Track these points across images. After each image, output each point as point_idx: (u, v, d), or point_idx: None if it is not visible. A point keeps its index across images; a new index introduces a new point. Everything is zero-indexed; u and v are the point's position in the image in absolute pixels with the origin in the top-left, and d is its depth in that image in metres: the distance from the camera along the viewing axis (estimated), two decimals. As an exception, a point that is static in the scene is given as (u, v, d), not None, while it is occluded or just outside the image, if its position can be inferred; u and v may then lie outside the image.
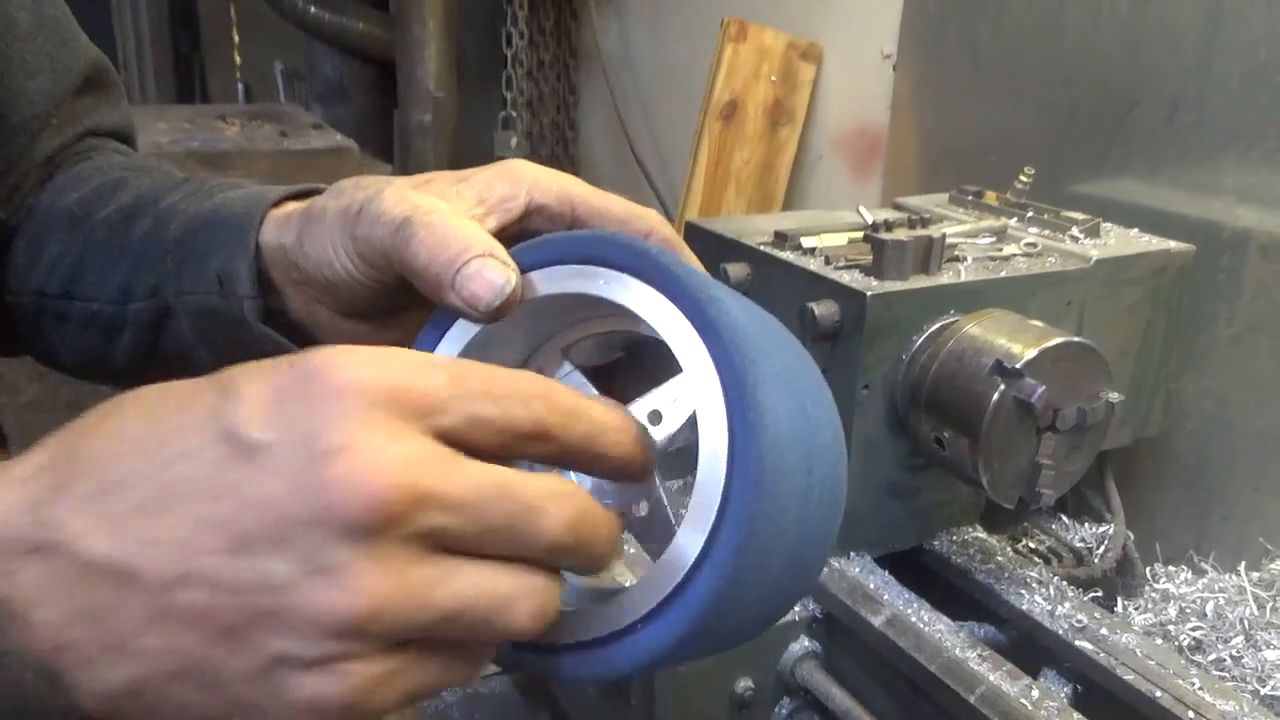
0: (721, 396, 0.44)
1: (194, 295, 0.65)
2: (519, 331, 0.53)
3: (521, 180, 0.56)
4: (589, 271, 0.48)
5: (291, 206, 0.62)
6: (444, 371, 0.39)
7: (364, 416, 0.37)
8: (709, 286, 0.46)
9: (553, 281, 0.49)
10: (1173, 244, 1.11)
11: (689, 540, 0.43)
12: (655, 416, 0.46)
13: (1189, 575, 1.08)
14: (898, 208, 1.23)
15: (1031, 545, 1.11)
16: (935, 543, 1.03)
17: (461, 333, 0.51)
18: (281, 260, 0.61)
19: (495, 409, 0.39)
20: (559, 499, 0.40)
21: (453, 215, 0.52)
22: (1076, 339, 0.88)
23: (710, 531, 0.42)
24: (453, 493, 0.37)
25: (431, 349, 0.52)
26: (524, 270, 0.50)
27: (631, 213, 0.56)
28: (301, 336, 0.62)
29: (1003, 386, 0.85)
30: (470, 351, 0.51)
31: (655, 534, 0.46)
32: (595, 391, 0.51)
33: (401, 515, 0.36)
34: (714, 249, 1.09)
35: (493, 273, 0.49)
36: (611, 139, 2.47)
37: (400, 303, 0.58)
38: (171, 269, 0.66)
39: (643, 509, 0.48)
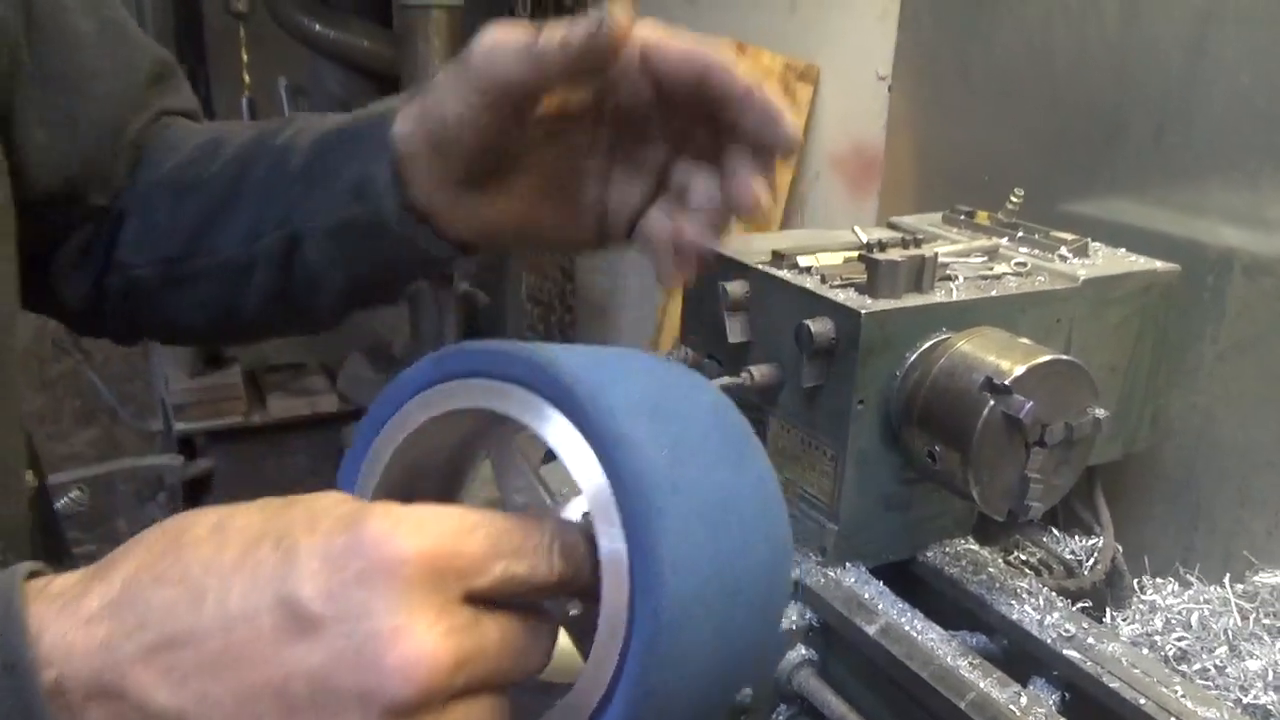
0: (625, 547, 0.43)
1: (328, 211, 0.70)
2: (444, 444, 0.54)
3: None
4: (509, 391, 0.48)
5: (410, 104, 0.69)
6: (481, 532, 0.43)
7: (411, 596, 0.40)
8: (620, 421, 0.45)
9: (473, 395, 0.49)
10: (1159, 264, 1.14)
11: (595, 676, 0.44)
12: (588, 520, 0.46)
13: (1175, 587, 1.10)
14: (893, 227, 1.26)
15: (1023, 557, 1.14)
16: (928, 554, 1.05)
17: (382, 455, 0.52)
18: (409, 148, 0.67)
19: (524, 566, 0.44)
20: (539, 637, 0.46)
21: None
22: (1064, 357, 0.91)
23: (612, 677, 0.43)
24: (482, 654, 0.42)
25: (353, 477, 0.52)
26: (446, 379, 0.50)
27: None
28: (427, 231, 0.68)
29: (992, 402, 0.88)
30: (396, 472, 0.52)
31: (586, 635, 0.46)
32: (546, 499, 0.53)
33: (441, 686, 0.40)
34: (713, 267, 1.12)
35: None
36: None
37: (508, 163, 0.65)
38: (299, 194, 0.71)
39: (576, 607, 0.49)
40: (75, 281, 0.82)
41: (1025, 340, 0.95)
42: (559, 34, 0.60)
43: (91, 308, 0.84)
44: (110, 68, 0.80)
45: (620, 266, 2.62)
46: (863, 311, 0.94)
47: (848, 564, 1.02)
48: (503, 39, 0.62)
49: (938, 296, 0.99)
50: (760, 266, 1.06)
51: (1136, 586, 1.12)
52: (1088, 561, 1.14)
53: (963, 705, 0.84)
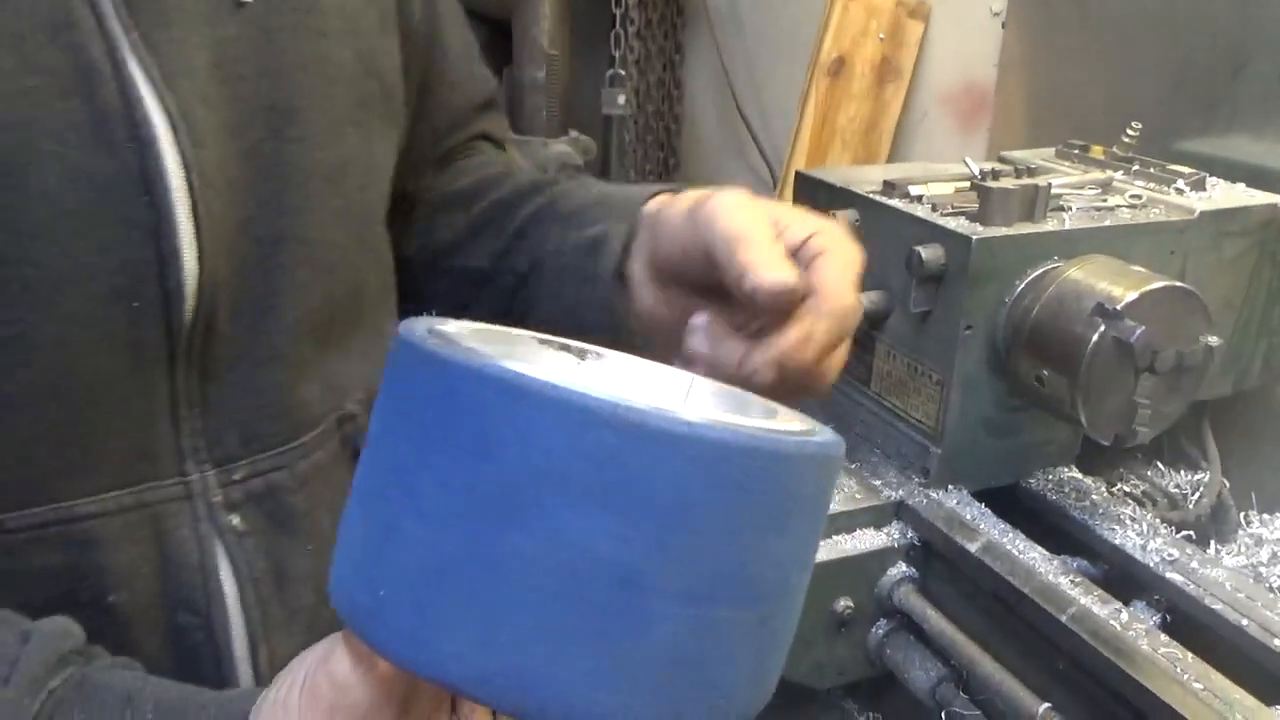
0: None
1: (565, 255, 0.79)
2: None
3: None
4: None
5: (660, 199, 0.75)
6: None
7: None
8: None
9: None
10: (1279, 199, 1.13)
11: None
12: None
13: (1283, 523, 1.10)
14: (1003, 161, 1.26)
15: (1126, 489, 1.14)
16: (1031, 481, 1.07)
17: None
18: (641, 236, 0.74)
19: None
20: None
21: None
22: (1177, 283, 0.91)
23: None
24: None
25: None
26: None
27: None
28: (620, 293, 0.75)
29: (1103, 327, 0.89)
30: None
31: None
32: None
33: None
34: (823, 197, 1.14)
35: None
36: (716, 97, 2.51)
37: (692, 297, 0.68)
38: (554, 234, 0.81)
39: None
40: None
41: (1138, 268, 0.95)
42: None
43: None
44: (462, 83, 0.91)
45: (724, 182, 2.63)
46: (974, 238, 0.95)
47: (950, 487, 1.04)
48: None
49: (1049, 225, 1.00)
50: (871, 195, 1.08)
51: (1242, 520, 1.12)
52: (1193, 495, 1.14)
53: (1064, 619, 0.86)
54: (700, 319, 0.63)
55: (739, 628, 0.44)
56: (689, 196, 0.69)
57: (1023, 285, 0.98)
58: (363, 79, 0.74)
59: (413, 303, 0.91)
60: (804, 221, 0.64)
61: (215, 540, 0.68)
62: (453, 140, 0.93)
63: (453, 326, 0.49)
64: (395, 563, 0.42)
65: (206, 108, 0.64)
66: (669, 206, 0.70)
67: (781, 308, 0.60)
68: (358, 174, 0.76)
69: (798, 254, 0.63)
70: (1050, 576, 0.91)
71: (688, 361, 0.62)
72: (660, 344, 0.72)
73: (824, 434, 0.46)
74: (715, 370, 0.61)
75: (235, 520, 0.69)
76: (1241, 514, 1.14)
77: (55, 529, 0.63)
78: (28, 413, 0.62)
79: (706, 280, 0.64)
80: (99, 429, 0.64)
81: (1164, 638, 0.84)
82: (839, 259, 0.62)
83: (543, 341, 0.56)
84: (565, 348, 0.57)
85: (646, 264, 0.72)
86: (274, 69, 0.68)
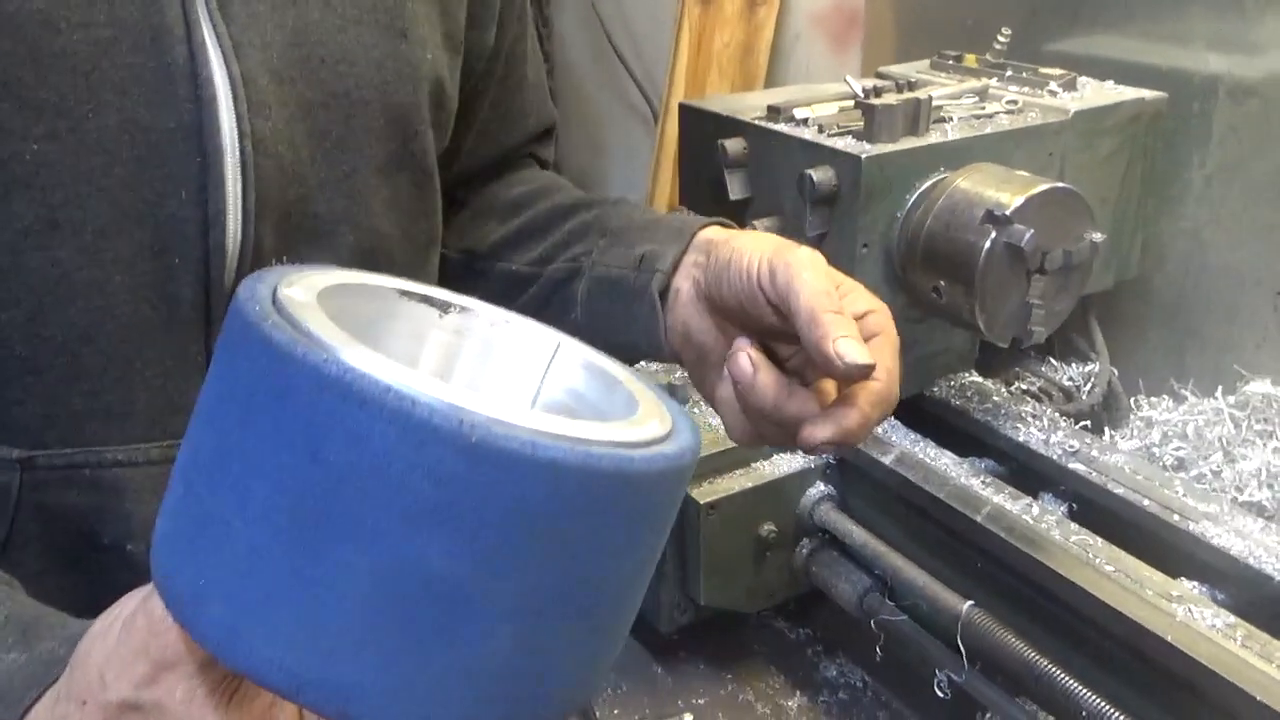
0: None
1: (608, 268, 0.82)
2: None
3: None
4: None
5: (714, 230, 0.78)
6: None
7: None
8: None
9: None
10: (1147, 93, 1.17)
11: None
12: None
13: (1170, 403, 1.16)
14: (881, 77, 1.27)
15: (1023, 387, 1.19)
16: (934, 389, 1.10)
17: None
18: (691, 258, 0.76)
19: None
20: None
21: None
22: (1060, 184, 0.94)
23: None
24: None
25: None
26: None
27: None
28: (660, 317, 0.77)
29: (994, 234, 0.91)
30: None
31: None
32: None
33: None
34: (709, 127, 1.13)
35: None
36: (586, 32, 2.48)
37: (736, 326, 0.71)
38: (601, 246, 0.83)
39: None
40: None
41: (1022, 172, 0.98)
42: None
43: None
44: (533, 112, 0.95)
45: (603, 138, 2.61)
46: (863, 156, 0.96)
47: (860, 403, 1.06)
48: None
49: (934, 138, 1.02)
50: (757, 122, 1.08)
51: (1133, 405, 1.17)
52: (1085, 386, 1.19)
53: (979, 519, 0.89)
54: (746, 345, 0.66)
55: (570, 637, 0.43)
56: (755, 242, 0.71)
57: (913, 199, 0.99)
58: (430, 83, 0.78)
59: None
60: (862, 296, 0.69)
61: None
62: (509, 156, 0.97)
63: (300, 287, 0.46)
64: (217, 555, 0.41)
65: (275, 81, 0.67)
66: (740, 238, 0.73)
67: (850, 380, 0.64)
68: (414, 171, 0.79)
69: (857, 323, 0.67)
70: (962, 479, 0.94)
71: (731, 382, 0.66)
72: (693, 362, 0.75)
73: (678, 437, 0.46)
74: (752, 396, 0.65)
75: None
76: (1131, 399, 1.19)
77: (85, 471, 0.67)
78: (63, 355, 0.65)
79: (760, 324, 0.68)
80: (132, 379, 0.66)
81: (1074, 526, 0.88)
82: (892, 344, 0.67)
83: (404, 293, 0.55)
84: (428, 300, 0.56)
85: (695, 287, 0.74)
86: (350, 58, 0.71)
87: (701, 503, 0.96)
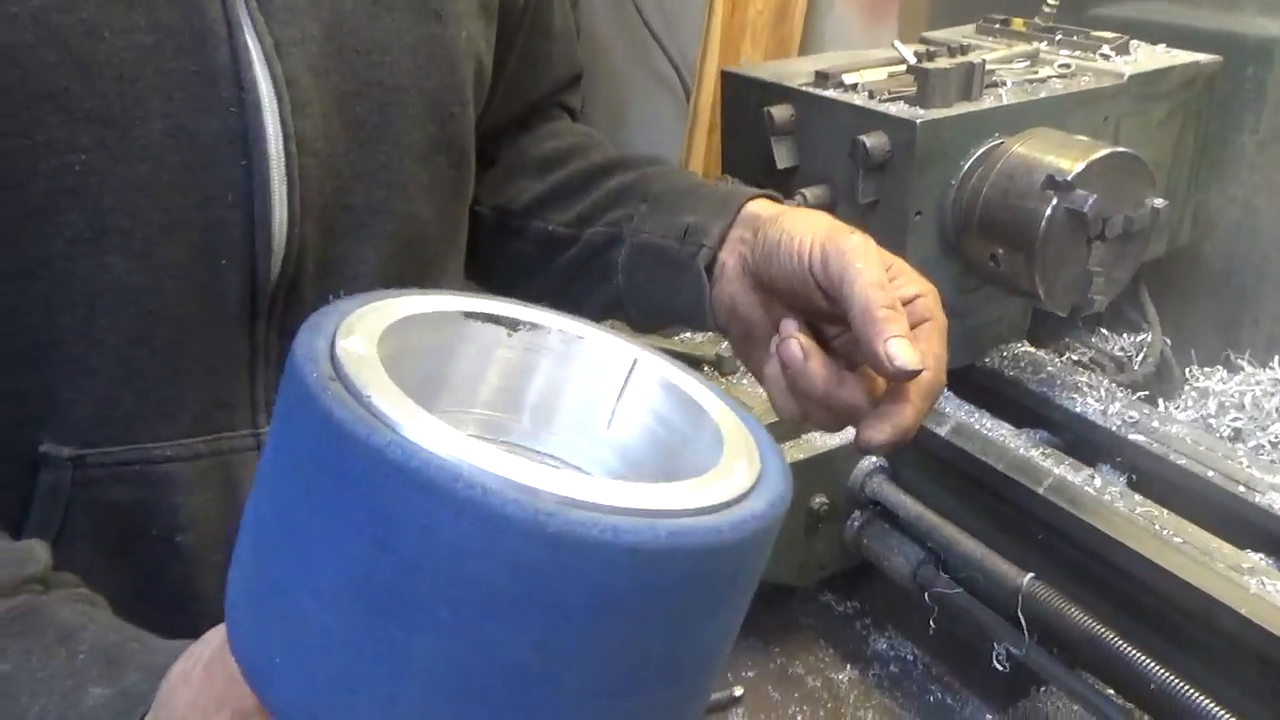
0: None
1: (654, 232, 0.81)
2: None
3: None
4: None
5: (761, 203, 0.77)
6: None
7: None
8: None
9: None
10: (1201, 56, 1.14)
11: None
12: None
13: (1224, 374, 1.14)
14: (926, 42, 1.25)
15: (1075, 358, 1.17)
16: (987, 360, 1.08)
17: None
18: (738, 233, 0.75)
19: None
20: None
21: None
22: (1122, 149, 0.92)
23: None
24: None
25: None
26: None
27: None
28: (706, 287, 0.76)
29: (1055, 200, 0.89)
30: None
31: None
32: None
33: None
34: (754, 95, 1.11)
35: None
36: (615, 5, 2.45)
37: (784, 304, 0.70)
38: (643, 212, 0.82)
39: None
40: None
41: (1080, 137, 0.96)
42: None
43: None
44: (560, 61, 0.94)
45: (629, 111, 2.59)
46: (917, 121, 0.94)
47: (911, 374, 1.04)
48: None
49: (988, 103, 1.00)
50: (805, 89, 1.06)
51: (1186, 375, 1.15)
52: (1137, 357, 1.17)
53: (1040, 490, 0.88)
54: (794, 330, 0.66)
55: (656, 706, 0.42)
56: (811, 213, 0.71)
57: (968, 165, 0.97)
58: (467, 61, 0.77)
59: (480, 264, 0.94)
60: (911, 279, 0.67)
61: None
62: (538, 106, 0.96)
63: (360, 336, 0.43)
64: (290, 632, 0.40)
65: (314, 76, 0.67)
66: (788, 216, 0.71)
67: (898, 381, 0.63)
68: (451, 153, 0.78)
69: (906, 308, 0.65)
70: (1021, 451, 0.93)
71: (780, 365, 0.65)
72: (739, 337, 0.75)
73: (767, 485, 0.43)
74: (801, 382, 0.64)
75: None
76: (1184, 370, 1.17)
77: (135, 468, 0.68)
78: (114, 357, 0.65)
79: (809, 306, 0.67)
80: (181, 378, 0.67)
81: (1138, 498, 0.86)
82: (940, 330, 0.66)
83: (469, 314, 0.52)
84: (495, 319, 0.53)
85: (742, 264, 0.73)
86: (385, 46, 0.71)
87: (754, 475, 0.95)
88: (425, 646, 0.38)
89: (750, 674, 1.07)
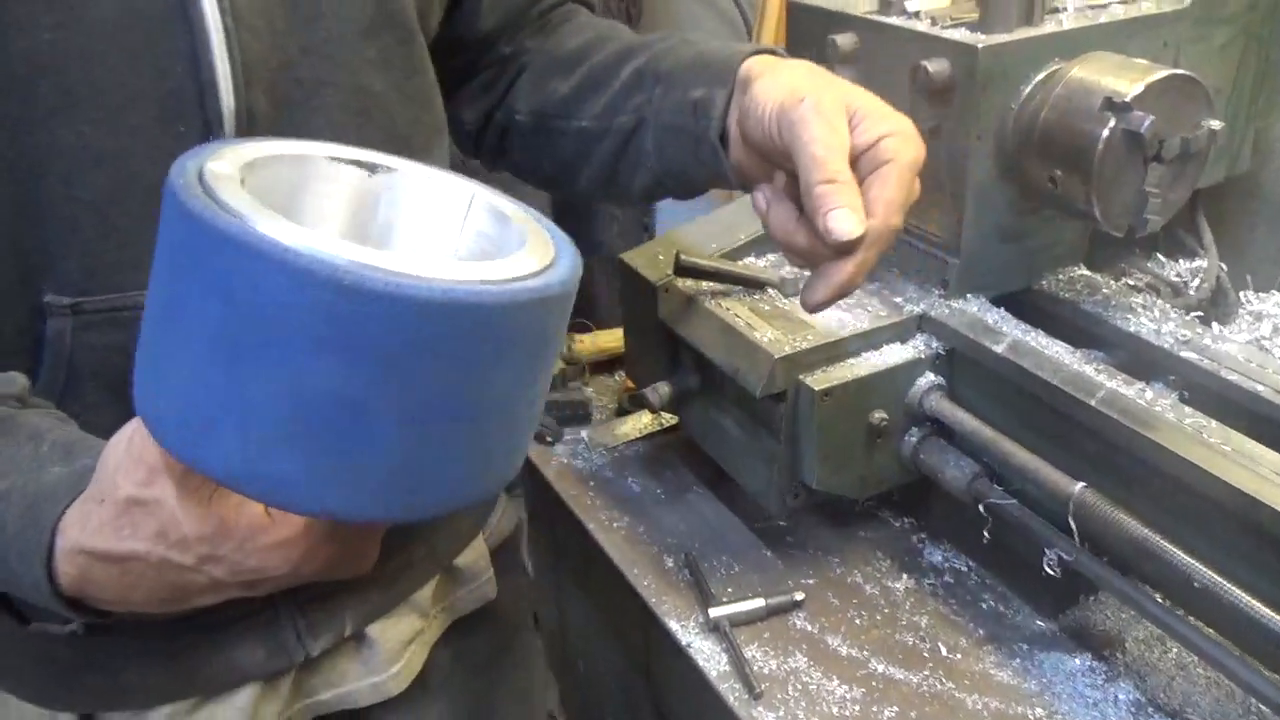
0: None
1: (671, 112, 0.88)
2: None
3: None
4: None
5: (755, 62, 0.85)
6: None
7: None
8: None
9: None
10: (1262, -19, 1.15)
11: None
12: None
13: (1280, 298, 1.16)
14: (987, -29, 1.26)
15: (1130, 283, 1.19)
16: (1044, 283, 1.11)
17: None
18: (736, 99, 0.83)
19: None
20: None
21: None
22: (1180, 71, 0.93)
23: None
24: None
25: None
26: None
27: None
28: (722, 151, 0.85)
29: (1113, 121, 0.92)
30: None
31: None
32: None
33: None
34: (818, 25, 1.14)
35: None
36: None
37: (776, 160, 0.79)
38: (659, 94, 0.89)
39: None
40: (473, 109, 1.06)
41: (1139, 60, 0.97)
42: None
43: (477, 132, 1.08)
44: None
45: (689, 26, 2.59)
46: (980, 46, 0.97)
47: (968, 296, 1.08)
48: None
49: (1049, 27, 1.01)
50: (869, 16, 1.09)
51: (1241, 300, 1.17)
52: (1193, 282, 1.19)
53: (1093, 403, 0.91)
54: (765, 186, 0.79)
55: (457, 440, 0.54)
56: (784, 72, 0.79)
57: (1028, 89, 1.00)
58: None
59: (529, 167, 1.03)
60: (880, 119, 0.74)
61: None
62: (545, 4, 1.02)
63: (227, 161, 0.55)
64: (170, 385, 0.53)
65: None
66: (762, 79, 0.79)
67: (845, 251, 0.73)
68: (396, 29, 0.84)
69: (867, 153, 0.74)
70: (1075, 366, 0.96)
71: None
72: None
73: (552, 271, 0.55)
74: (768, 229, 0.79)
75: None
76: (1239, 294, 1.19)
77: (125, 313, 0.76)
78: (94, 214, 0.74)
79: (786, 166, 0.75)
80: (154, 233, 0.78)
81: (1188, 410, 0.89)
82: (903, 172, 0.73)
83: (334, 159, 0.64)
84: (357, 162, 0.65)
85: (741, 129, 0.81)
86: None
87: (816, 389, 0.99)
88: (266, 379, 0.49)
89: (811, 580, 1.12)
